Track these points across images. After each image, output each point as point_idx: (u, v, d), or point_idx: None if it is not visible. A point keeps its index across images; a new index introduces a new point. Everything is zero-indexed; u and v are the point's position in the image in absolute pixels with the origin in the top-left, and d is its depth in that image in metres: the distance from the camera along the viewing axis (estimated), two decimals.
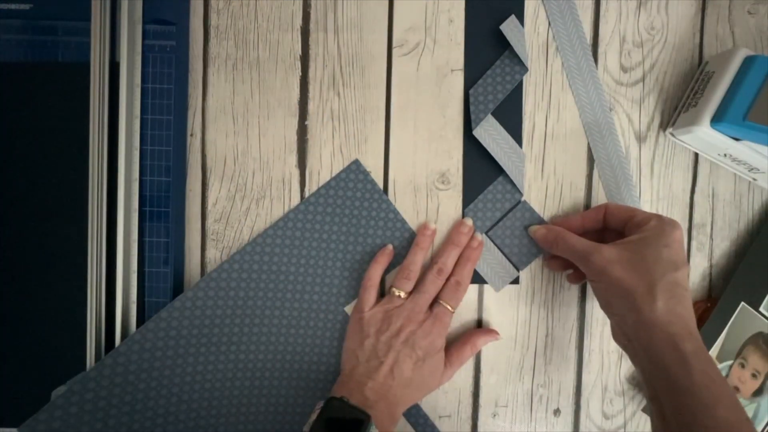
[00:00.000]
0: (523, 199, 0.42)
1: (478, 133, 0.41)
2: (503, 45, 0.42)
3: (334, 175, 0.42)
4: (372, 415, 0.33)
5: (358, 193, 0.42)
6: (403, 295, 0.39)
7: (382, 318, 0.39)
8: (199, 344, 0.40)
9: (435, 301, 0.40)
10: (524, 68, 0.41)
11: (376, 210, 0.42)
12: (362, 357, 0.38)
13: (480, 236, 0.42)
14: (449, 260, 0.40)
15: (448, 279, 0.40)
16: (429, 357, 0.38)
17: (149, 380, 0.39)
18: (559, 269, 0.42)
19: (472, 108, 0.41)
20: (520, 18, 0.42)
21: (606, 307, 0.37)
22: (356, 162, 0.42)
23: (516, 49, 0.40)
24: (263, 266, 0.41)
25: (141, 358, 0.39)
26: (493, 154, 0.41)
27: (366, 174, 0.42)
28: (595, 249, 0.36)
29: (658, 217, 0.36)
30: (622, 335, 0.36)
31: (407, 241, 0.42)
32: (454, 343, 0.41)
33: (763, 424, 0.42)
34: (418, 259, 0.40)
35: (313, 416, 0.33)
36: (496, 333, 0.42)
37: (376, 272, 0.40)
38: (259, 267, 0.41)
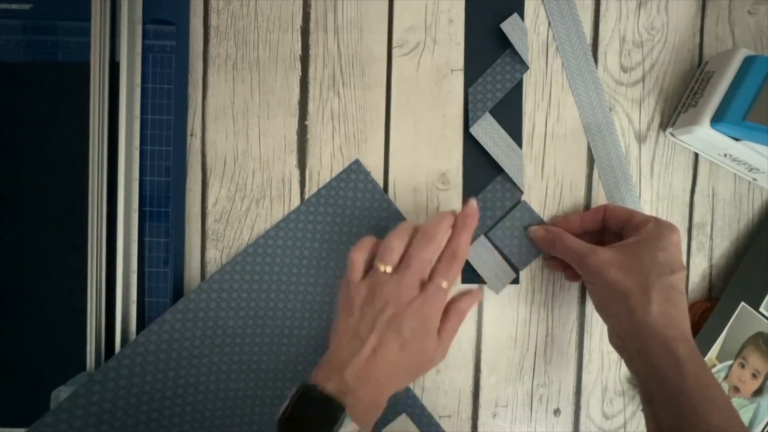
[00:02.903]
0: (523, 199, 0.42)
1: (475, 131, 0.41)
2: (504, 45, 0.42)
3: (334, 175, 0.42)
4: (351, 403, 0.30)
5: (359, 193, 0.41)
6: (388, 270, 0.34)
7: (367, 293, 0.34)
8: (202, 346, 0.40)
9: (429, 278, 0.35)
10: (524, 66, 0.41)
11: (377, 210, 0.42)
12: (345, 335, 0.34)
13: (474, 202, 0.36)
14: (440, 227, 0.35)
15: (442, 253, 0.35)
16: (418, 339, 0.33)
17: (154, 382, 0.39)
18: (559, 269, 0.42)
19: (470, 106, 0.41)
20: (520, 18, 0.42)
21: (601, 309, 0.37)
22: (357, 162, 0.42)
23: (516, 46, 0.40)
24: (265, 267, 0.41)
25: (145, 361, 0.39)
26: (490, 151, 0.41)
27: (367, 174, 0.42)
28: (591, 251, 0.35)
29: (656, 220, 0.36)
30: (616, 337, 0.36)
31: None
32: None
33: (763, 424, 0.42)
34: (402, 233, 0.35)
35: (284, 405, 0.30)
36: (478, 293, 0.37)
37: (369, 240, 0.36)
38: (261, 269, 0.41)
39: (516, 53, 0.41)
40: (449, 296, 0.36)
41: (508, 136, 0.42)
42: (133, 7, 0.40)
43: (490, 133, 0.42)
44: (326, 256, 0.41)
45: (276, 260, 0.41)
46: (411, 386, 0.43)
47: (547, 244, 0.39)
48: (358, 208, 0.41)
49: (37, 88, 0.40)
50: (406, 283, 0.33)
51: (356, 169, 0.42)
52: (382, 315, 0.33)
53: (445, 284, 0.34)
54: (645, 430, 0.44)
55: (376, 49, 0.42)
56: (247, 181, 0.42)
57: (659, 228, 0.35)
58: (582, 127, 0.43)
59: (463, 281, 0.43)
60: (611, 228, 0.39)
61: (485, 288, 0.43)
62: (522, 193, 0.42)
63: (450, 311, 0.36)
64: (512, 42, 0.40)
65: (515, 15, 0.41)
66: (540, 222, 0.42)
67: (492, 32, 0.42)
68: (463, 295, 0.36)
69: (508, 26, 0.41)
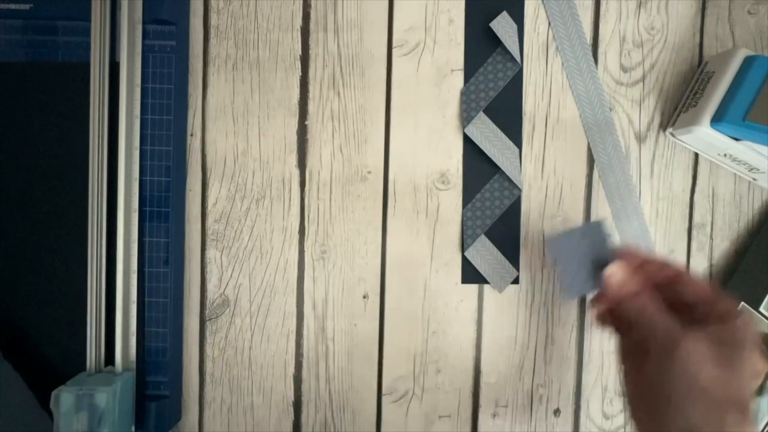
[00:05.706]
0: (600, 220, 0.37)
1: (470, 131, 0.41)
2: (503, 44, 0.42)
3: (334, 175, 0.42)
4: None
5: None
6: None
7: None
8: None
9: None
10: (516, 65, 0.41)
11: None
12: None
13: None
14: None
15: None
16: None
17: None
18: (609, 324, 0.35)
19: (463, 106, 0.41)
20: (520, 18, 0.42)
21: (653, 399, 0.30)
22: None
23: (507, 45, 0.40)
24: None
25: None
26: (486, 151, 0.41)
27: None
28: (683, 335, 0.30)
29: (740, 314, 0.31)
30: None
31: None
32: None
33: (763, 424, 0.42)
34: None
35: None
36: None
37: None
38: None
39: (507, 52, 0.41)
40: None
41: (503, 134, 0.42)
42: (133, 7, 0.40)
43: (485, 132, 0.42)
44: None
45: None
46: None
47: (628, 303, 0.33)
48: None
49: (37, 88, 0.40)
50: None
51: None
52: None
53: None
54: None
55: (376, 49, 0.42)
56: (247, 181, 0.42)
57: (746, 325, 0.30)
58: (582, 127, 0.43)
59: (464, 281, 0.43)
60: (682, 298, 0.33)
61: (486, 287, 0.43)
62: (521, 190, 0.42)
63: None
64: (502, 40, 0.40)
65: (504, 13, 0.41)
66: (612, 252, 0.34)
67: (492, 32, 0.42)
68: None
69: (498, 24, 0.41)
